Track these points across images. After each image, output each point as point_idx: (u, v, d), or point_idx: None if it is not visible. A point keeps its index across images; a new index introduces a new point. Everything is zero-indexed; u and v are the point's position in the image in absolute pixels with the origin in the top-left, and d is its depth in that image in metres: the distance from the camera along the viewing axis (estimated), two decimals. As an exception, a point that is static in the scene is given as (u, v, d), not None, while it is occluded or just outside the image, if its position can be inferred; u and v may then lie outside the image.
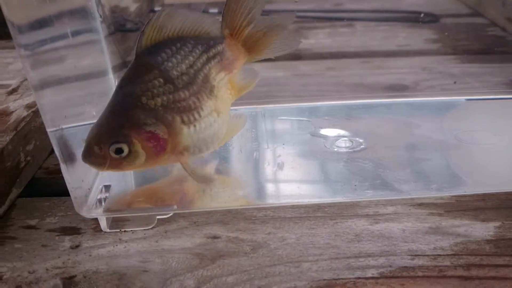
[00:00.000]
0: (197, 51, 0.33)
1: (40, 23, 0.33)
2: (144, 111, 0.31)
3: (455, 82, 0.50)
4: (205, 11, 0.72)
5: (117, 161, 0.31)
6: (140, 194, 0.37)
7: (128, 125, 0.31)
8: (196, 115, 0.32)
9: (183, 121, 0.32)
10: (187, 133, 0.32)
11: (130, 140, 0.31)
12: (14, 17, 0.29)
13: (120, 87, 0.32)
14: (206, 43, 0.33)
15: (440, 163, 0.39)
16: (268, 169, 0.39)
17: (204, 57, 0.33)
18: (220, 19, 0.34)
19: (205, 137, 0.33)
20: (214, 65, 0.33)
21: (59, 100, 0.35)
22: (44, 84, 0.32)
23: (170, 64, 0.32)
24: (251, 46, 0.34)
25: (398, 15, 0.71)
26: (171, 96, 0.32)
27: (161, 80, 0.32)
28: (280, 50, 0.35)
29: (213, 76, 0.33)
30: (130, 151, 0.31)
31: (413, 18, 0.69)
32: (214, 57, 0.33)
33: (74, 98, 0.38)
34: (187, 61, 0.32)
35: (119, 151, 0.31)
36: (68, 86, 0.37)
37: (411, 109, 0.47)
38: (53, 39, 0.35)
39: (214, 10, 0.74)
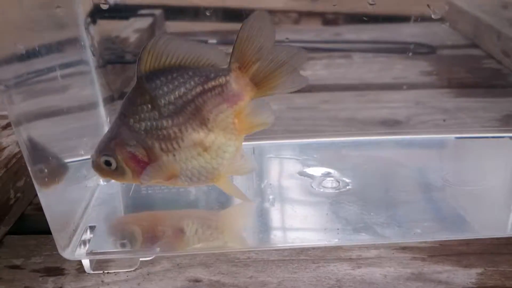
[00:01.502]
0: (192, 82, 0.33)
1: (19, 56, 0.33)
2: (129, 132, 0.33)
3: (444, 120, 0.51)
4: (205, 41, 0.73)
5: (110, 173, 0.34)
6: (124, 236, 0.37)
7: (115, 142, 0.34)
8: (175, 145, 0.33)
9: (161, 148, 0.33)
10: (167, 161, 0.33)
11: (115, 155, 0.34)
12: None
13: (122, 105, 0.34)
14: (205, 75, 0.33)
15: (425, 207, 0.38)
16: (252, 211, 0.39)
17: (199, 89, 0.33)
18: (223, 49, 0.34)
19: (189, 168, 0.34)
20: (211, 97, 0.33)
21: (42, 136, 0.35)
22: (23, 120, 0.33)
23: (160, 92, 0.33)
24: (259, 81, 0.34)
25: (395, 46, 0.72)
26: (154, 123, 0.33)
27: (149, 106, 0.33)
28: (289, 86, 0.34)
29: (208, 109, 0.33)
30: (117, 166, 0.34)
31: (410, 49, 0.69)
32: (212, 89, 0.33)
33: (61, 133, 0.39)
34: (177, 92, 0.33)
35: (107, 163, 0.34)
36: (53, 120, 0.38)
37: (400, 147, 0.47)
38: (37, 72, 0.36)
39: (213, 41, 0.75)
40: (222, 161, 0.34)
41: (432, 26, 0.55)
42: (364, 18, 0.46)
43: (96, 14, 0.45)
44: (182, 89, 0.33)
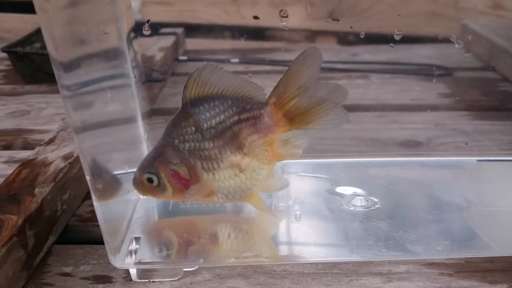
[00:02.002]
0: (231, 111, 0.36)
1: (81, 64, 0.36)
2: (173, 152, 0.37)
3: (466, 144, 0.53)
4: (227, 61, 0.76)
5: (150, 189, 0.38)
6: (169, 247, 0.39)
7: (159, 160, 0.37)
8: (215, 165, 0.36)
9: (203, 167, 0.36)
10: (207, 179, 0.37)
11: (158, 173, 0.37)
12: (60, 56, 0.32)
13: (167, 127, 0.37)
14: (243, 106, 0.36)
15: (450, 225, 0.41)
16: (288, 226, 0.41)
17: (235, 118, 0.36)
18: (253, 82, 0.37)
19: (227, 186, 0.37)
20: (246, 127, 0.36)
21: (97, 145, 0.38)
22: (85, 127, 0.36)
23: (203, 117, 0.36)
24: (293, 117, 0.36)
25: (412, 68, 0.74)
26: (197, 144, 0.36)
27: (193, 128, 0.36)
28: (327, 123, 0.36)
29: (244, 136, 0.36)
30: (159, 183, 0.37)
31: (427, 71, 0.72)
32: (247, 119, 0.36)
33: (104, 144, 0.41)
34: (218, 118, 0.36)
35: (150, 180, 0.37)
36: (102, 132, 0.40)
37: (423, 168, 0.50)
38: (92, 81, 0.38)
39: (235, 60, 0.78)
40: (255, 182, 0.38)
41: (447, 48, 0.57)
42: (391, 45, 0.49)
43: (137, 30, 0.48)
44: (222, 116, 0.36)
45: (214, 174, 0.37)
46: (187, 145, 0.36)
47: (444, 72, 0.71)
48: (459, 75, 0.74)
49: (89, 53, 0.39)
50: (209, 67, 0.35)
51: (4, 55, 0.81)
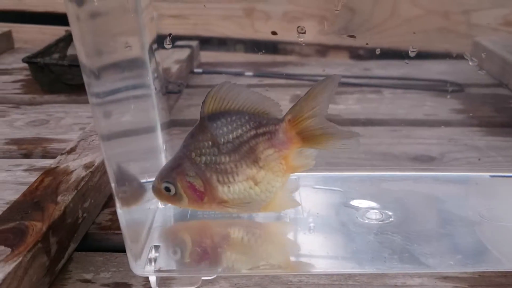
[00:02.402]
0: (248, 126, 0.38)
1: (108, 73, 0.38)
2: (190, 164, 0.38)
3: (479, 159, 0.54)
4: (241, 74, 0.77)
5: (168, 197, 0.39)
6: (188, 256, 0.40)
7: (176, 171, 0.38)
8: (231, 178, 0.38)
9: (218, 180, 0.38)
10: (222, 191, 0.38)
11: (175, 183, 0.38)
12: (91, 63, 0.34)
13: (185, 139, 0.39)
14: (259, 121, 0.38)
15: (464, 239, 0.41)
16: (304, 237, 0.42)
17: (253, 132, 0.38)
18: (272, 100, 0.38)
19: (241, 198, 0.38)
20: (262, 140, 0.38)
21: (121, 153, 0.39)
22: (110, 135, 0.37)
23: (220, 131, 0.37)
24: (305, 137, 0.38)
25: (425, 83, 0.75)
26: (213, 158, 0.38)
27: (210, 142, 0.37)
28: (337, 147, 0.38)
29: (260, 150, 0.38)
30: (176, 192, 0.38)
31: (439, 87, 0.72)
32: (263, 134, 0.38)
33: (127, 153, 0.42)
34: (235, 133, 0.37)
35: (167, 189, 0.39)
36: (125, 140, 0.42)
37: (437, 183, 0.50)
38: (117, 90, 0.40)
39: (249, 73, 0.79)
40: (270, 194, 0.39)
41: (460, 64, 0.58)
42: (406, 62, 0.50)
43: (159, 42, 0.50)
44: (239, 131, 0.38)
45: (229, 187, 0.38)
46: (203, 158, 0.38)
47: (456, 88, 0.72)
48: (471, 91, 0.74)
49: (114, 63, 0.40)
50: (227, 84, 0.37)
51: (24, 65, 0.83)
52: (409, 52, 0.48)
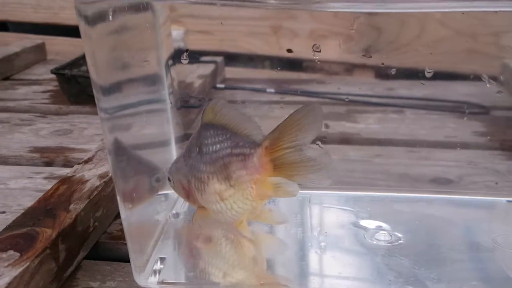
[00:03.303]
0: (226, 143, 0.38)
1: (121, 88, 0.39)
2: (183, 163, 0.41)
3: (496, 183, 0.52)
4: (263, 90, 0.78)
5: (172, 187, 0.43)
6: (192, 269, 0.40)
7: (175, 166, 0.43)
8: (203, 187, 0.39)
9: (195, 185, 0.40)
10: (198, 196, 0.40)
11: (172, 177, 0.43)
12: (101, 80, 0.35)
13: (190, 139, 0.41)
14: (237, 141, 0.38)
15: (475, 266, 0.40)
16: (311, 256, 0.42)
17: (228, 151, 0.38)
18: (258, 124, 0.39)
19: (211, 208, 0.40)
20: (236, 160, 0.38)
21: (130, 167, 0.40)
22: (119, 149, 0.38)
23: (206, 141, 0.39)
24: (278, 166, 0.37)
25: (448, 105, 0.74)
26: (196, 164, 0.39)
27: (197, 149, 0.39)
28: (306, 182, 0.37)
29: (233, 169, 0.38)
30: (174, 185, 0.43)
31: (463, 109, 0.71)
32: (237, 155, 0.38)
33: (137, 166, 0.43)
34: (214, 146, 0.39)
35: (169, 179, 0.43)
36: (136, 154, 0.42)
37: (452, 206, 0.49)
38: (130, 105, 0.41)
39: (271, 90, 0.79)
40: (236, 214, 0.39)
41: (485, 86, 0.57)
42: (422, 83, 0.49)
43: (175, 57, 0.51)
44: (218, 146, 0.38)
45: (201, 194, 0.40)
46: (190, 161, 0.40)
47: (480, 111, 0.70)
48: (495, 114, 0.73)
49: (129, 78, 0.41)
50: (221, 101, 0.39)
51: (53, 76, 0.86)
52: (426, 73, 0.48)
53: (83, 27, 0.33)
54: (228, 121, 0.38)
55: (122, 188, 0.36)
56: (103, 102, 0.35)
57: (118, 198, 0.37)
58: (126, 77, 0.41)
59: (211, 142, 0.38)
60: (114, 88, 0.37)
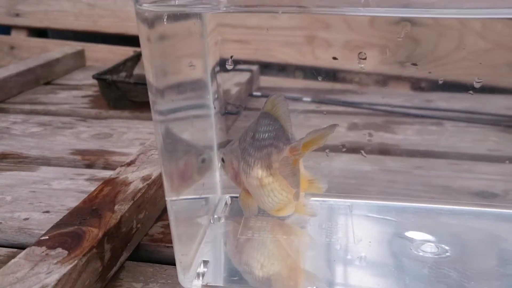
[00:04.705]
0: (273, 133, 0.40)
1: (171, 92, 0.39)
2: (237, 145, 0.44)
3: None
4: (299, 99, 0.78)
5: (222, 166, 0.46)
6: (237, 273, 0.40)
7: (229, 148, 0.45)
8: (248, 170, 0.42)
9: (242, 168, 0.42)
10: (244, 178, 0.43)
11: (225, 156, 0.46)
12: (158, 83, 0.35)
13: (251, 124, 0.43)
14: (280, 135, 0.40)
15: (525, 281, 0.39)
16: (354, 267, 0.41)
17: (271, 141, 0.40)
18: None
19: (252, 192, 0.42)
20: (275, 152, 0.40)
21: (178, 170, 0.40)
22: (170, 151, 0.38)
23: (259, 128, 0.41)
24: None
25: (489, 118, 0.72)
26: (247, 147, 0.42)
27: (251, 133, 0.42)
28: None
29: (273, 159, 0.40)
30: (225, 165, 0.46)
31: (506, 122, 0.69)
32: (276, 146, 0.40)
33: (183, 169, 0.43)
34: (265, 134, 0.41)
35: (222, 159, 0.46)
36: (183, 157, 0.43)
37: (499, 220, 0.48)
38: (179, 109, 0.42)
39: (307, 99, 0.79)
40: (272, 202, 0.41)
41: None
42: (470, 93, 0.48)
43: (221, 65, 0.51)
44: (267, 135, 0.41)
45: (246, 177, 0.42)
46: (243, 145, 0.43)
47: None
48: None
49: (179, 83, 0.42)
50: (281, 95, 0.41)
51: (94, 81, 0.87)
52: (474, 83, 0.47)
53: (143, 30, 0.33)
54: (279, 115, 0.40)
55: (171, 188, 0.37)
56: (159, 105, 0.35)
57: (166, 199, 0.37)
58: (177, 82, 0.41)
59: (263, 130, 0.41)
60: (168, 92, 0.38)
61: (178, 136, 0.41)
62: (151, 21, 0.34)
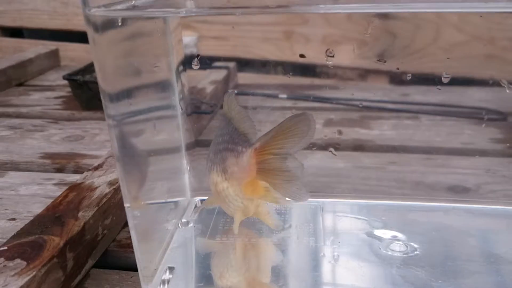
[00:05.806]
0: (227, 137, 0.38)
1: (130, 94, 0.38)
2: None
3: (518, 193, 0.51)
4: (275, 96, 0.77)
5: None
6: (202, 279, 0.39)
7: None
8: (208, 174, 0.40)
9: (208, 171, 0.41)
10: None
11: None
12: (108, 87, 0.34)
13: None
14: (235, 137, 0.38)
15: (493, 278, 0.39)
16: (323, 267, 0.40)
17: (226, 145, 0.38)
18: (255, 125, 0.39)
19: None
20: (231, 156, 0.38)
21: (136, 174, 0.39)
22: (125, 156, 0.37)
23: (217, 132, 0.40)
24: (261, 170, 0.37)
25: (465, 111, 0.72)
26: (210, 151, 0.40)
27: (214, 135, 0.41)
28: (286, 193, 0.36)
29: (228, 164, 0.38)
30: None
31: (480, 115, 0.69)
32: (232, 150, 0.38)
33: (146, 173, 0.42)
34: (220, 138, 0.39)
35: None
36: (145, 161, 0.42)
37: (470, 216, 0.48)
38: (137, 112, 0.40)
39: (283, 96, 0.78)
40: (228, 208, 0.39)
41: (503, 92, 0.55)
42: (438, 88, 0.48)
43: (186, 63, 0.50)
44: (221, 138, 0.39)
45: (208, 181, 0.41)
46: (211, 148, 0.41)
47: (498, 117, 0.69)
48: (513, 120, 0.71)
49: (139, 85, 0.41)
50: (231, 94, 0.39)
51: (66, 82, 0.86)
52: (442, 78, 0.46)
53: (91, 34, 0.32)
54: (232, 116, 0.38)
55: (129, 195, 0.36)
56: (111, 109, 0.34)
57: (125, 205, 0.36)
58: (136, 84, 0.40)
59: (219, 133, 0.39)
60: (122, 95, 0.36)
61: (136, 140, 0.40)
62: (101, 25, 0.33)
